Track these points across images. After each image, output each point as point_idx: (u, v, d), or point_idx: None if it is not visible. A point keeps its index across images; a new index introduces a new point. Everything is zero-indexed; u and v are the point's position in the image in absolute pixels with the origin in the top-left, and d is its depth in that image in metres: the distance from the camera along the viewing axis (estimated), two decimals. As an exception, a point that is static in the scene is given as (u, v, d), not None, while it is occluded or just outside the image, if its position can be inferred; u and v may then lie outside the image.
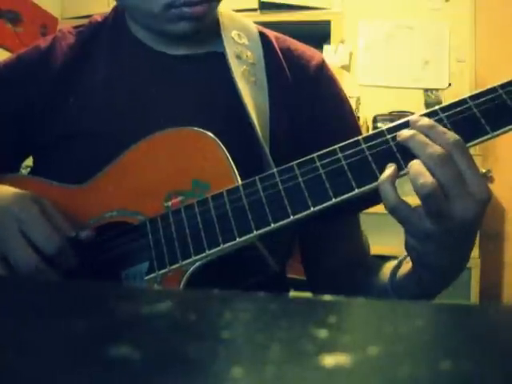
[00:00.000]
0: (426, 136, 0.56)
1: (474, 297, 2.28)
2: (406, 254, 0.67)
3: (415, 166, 0.55)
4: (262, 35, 0.82)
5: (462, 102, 0.60)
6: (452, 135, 0.56)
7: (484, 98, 0.59)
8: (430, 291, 0.64)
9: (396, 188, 0.56)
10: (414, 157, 0.58)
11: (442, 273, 0.62)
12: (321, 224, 0.76)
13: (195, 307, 0.26)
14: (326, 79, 0.82)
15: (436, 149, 0.55)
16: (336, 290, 0.79)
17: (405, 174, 0.58)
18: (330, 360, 0.18)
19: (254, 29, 0.83)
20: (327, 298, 0.26)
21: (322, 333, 0.21)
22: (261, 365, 0.18)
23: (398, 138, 0.58)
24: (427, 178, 0.54)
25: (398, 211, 0.56)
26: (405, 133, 0.58)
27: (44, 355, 0.19)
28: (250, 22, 0.85)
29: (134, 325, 0.23)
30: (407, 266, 0.65)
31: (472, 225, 0.56)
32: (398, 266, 0.68)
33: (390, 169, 0.57)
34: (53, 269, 0.61)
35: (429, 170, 0.55)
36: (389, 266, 0.70)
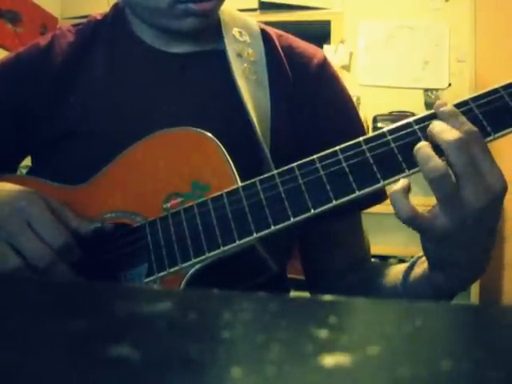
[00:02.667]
0: (446, 123, 0.57)
1: (474, 297, 2.28)
2: (418, 255, 0.67)
3: (424, 149, 0.55)
4: (264, 33, 0.82)
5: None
6: (470, 126, 0.56)
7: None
8: (443, 293, 0.63)
9: (409, 199, 0.56)
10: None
11: (459, 274, 0.60)
12: (322, 223, 0.75)
13: (195, 307, 0.26)
14: (328, 77, 0.82)
15: (454, 134, 0.55)
16: (337, 291, 0.79)
17: (406, 173, 0.58)
18: (329, 360, 0.18)
19: (256, 26, 0.83)
20: (327, 297, 0.26)
21: (322, 333, 0.21)
22: (261, 365, 0.18)
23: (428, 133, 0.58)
24: (437, 161, 0.54)
25: (414, 221, 0.56)
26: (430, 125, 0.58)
27: (44, 355, 0.19)
28: (252, 19, 0.85)
29: (134, 325, 0.23)
30: (421, 267, 0.65)
31: (486, 216, 0.55)
32: (411, 268, 0.67)
33: (402, 182, 0.56)
34: (66, 263, 0.61)
35: (444, 153, 0.55)
36: (399, 269, 0.69)
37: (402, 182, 0.56)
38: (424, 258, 0.65)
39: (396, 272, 0.70)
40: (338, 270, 0.80)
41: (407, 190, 0.56)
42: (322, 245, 0.82)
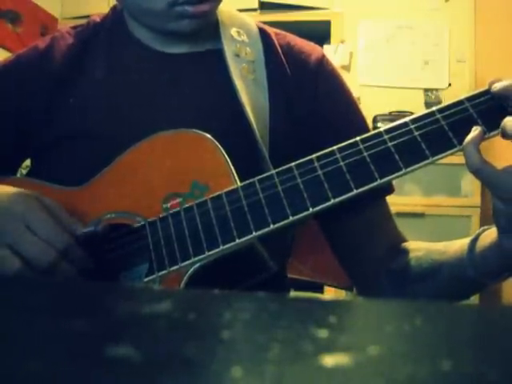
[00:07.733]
0: None
1: (474, 297, 2.28)
2: (483, 227, 0.66)
3: None
4: (262, 32, 0.82)
5: None
6: None
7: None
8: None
9: (479, 150, 0.58)
10: (411, 157, 0.58)
11: None
12: (351, 216, 0.75)
13: (195, 307, 0.26)
14: (327, 73, 0.81)
15: None
16: (382, 283, 0.76)
17: (402, 171, 0.58)
18: (329, 360, 0.18)
19: (254, 26, 0.83)
20: (327, 297, 0.26)
21: (322, 333, 0.21)
22: (261, 365, 0.18)
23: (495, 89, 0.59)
24: None
25: (482, 172, 0.57)
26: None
27: (44, 355, 0.19)
28: (250, 18, 0.85)
29: (134, 325, 0.23)
30: (488, 237, 0.63)
31: None
32: (476, 240, 0.65)
33: (474, 132, 0.58)
34: (69, 264, 0.61)
35: None
36: (460, 243, 0.67)
37: (473, 133, 0.58)
38: (490, 230, 0.64)
39: (456, 247, 0.68)
40: (378, 259, 0.77)
41: (479, 141, 0.58)
42: (358, 237, 0.79)
